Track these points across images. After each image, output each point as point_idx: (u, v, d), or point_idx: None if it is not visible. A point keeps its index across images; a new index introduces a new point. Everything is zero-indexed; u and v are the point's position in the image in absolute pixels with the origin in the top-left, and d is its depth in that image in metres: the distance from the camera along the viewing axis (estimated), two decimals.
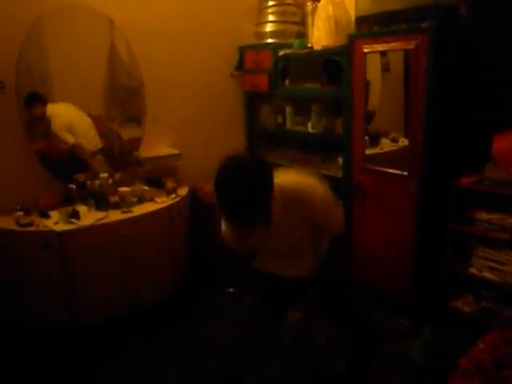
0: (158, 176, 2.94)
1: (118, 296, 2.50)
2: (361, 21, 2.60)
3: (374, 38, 2.43)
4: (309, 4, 3.06)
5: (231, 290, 2.94)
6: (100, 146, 2.97)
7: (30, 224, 2.41)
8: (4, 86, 2.49)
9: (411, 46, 2.23)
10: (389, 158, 2.67)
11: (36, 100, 2.66)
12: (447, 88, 2.28)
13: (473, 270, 2.31)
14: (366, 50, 2.44)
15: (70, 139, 2.81)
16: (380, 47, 2.42)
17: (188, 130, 3.17)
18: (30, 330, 2.44)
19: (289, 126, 3.20)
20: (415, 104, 2.30)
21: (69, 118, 2.84)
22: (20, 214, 2.46)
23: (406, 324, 2.50)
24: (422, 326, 2.39)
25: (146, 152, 2.96)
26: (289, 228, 1.53)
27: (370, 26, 2.53)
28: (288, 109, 3.18)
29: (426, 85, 2.21)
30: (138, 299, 2.58)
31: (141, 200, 2.70)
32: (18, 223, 2.41)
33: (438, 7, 2.25)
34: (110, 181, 2.77)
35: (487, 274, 2.26)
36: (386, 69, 2.78)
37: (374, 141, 2.76)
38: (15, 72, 2.52)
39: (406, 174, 2.41)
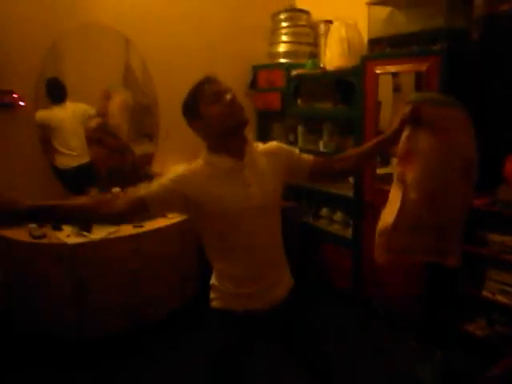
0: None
1: (128, 308, 2.50)
2: (373, 42, 2.63)
3: (387, 59, 2.47)
4: (322, 26, 3.13)
5: None
6: (84, 161, 2.95)
7: (43, 236, 2.44)
8: (23, 101, 2.56)
9: (423, 68, 2.25)
10: None
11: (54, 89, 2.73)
12: None
13: (485, 293, 2.27)
14: (378, 71, 2.48)
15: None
16: (392, 68, 2.45)
17: (200, 147, 3.19)
18: (42, 340, 2.45)
19: (300, 144, 3.22)
20: None
21: (52, 118, 2.78)
22: (33, 226, 2.50)
23: (416, 345, 2.46)
24: (432, 348, 2.34)
25: (158, 167, 3.00)
26: (265, 188, 1.39)
27: (382, 47, 2.57)
28: (300, 128, 3.21)
29: None
30: (149, 312, 2.58)
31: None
32: (31, 235, 2.45)
33: (450, 30, 2.29)
34: (122, 195, 2.81)
35: (500, 298, 2.22)
36: (397, 89, 2.81)
37: (385, 160, 2.77)
38: (34, 90, 2.61)
39: None
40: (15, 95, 2.53)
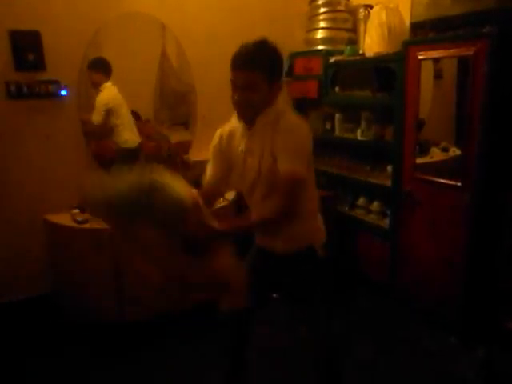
0: None
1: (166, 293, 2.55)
2: (416, 26, 2.53)
3: (430, 44, 2.37)
4: (361, 10, 3.04)
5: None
6: (136, 144, 2.98)
7: (85, 221, 2.53)
8: (68, 91, 2.64)
9: (470, 53, 2.14)
10: (439, 168, 2.59)
11: (99, 66, 2.75)
12: (507, 97, 2.17)
13: None
14: (420, 57, 2.38)
15: (97, 118, 2.77)
16: (436, 54, 2.35)
17: None
18: (82, 324, 2.56)
19: (337, 132, 3.17)
20: (472, 113, 2.21)
21: (114, 102, 2.83)
22: (76, 211, 2.60)
23: (455, 342, 2.39)
24: (473, 345, 2.28)
25: (195, 156, 3.03)
26: (259, 156, 1.51)
27: (425, 32, 2.46)
28: (337, 116, 3.16)
29: (484, 93, 2.12)
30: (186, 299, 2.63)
31: None
32: (74, 220, 2.55)
33: (501, 11, 2.15)
34: None
35: None
36: (438, 76, 2.70)
37: (424, 150, 2.69)
38: (78, 79, 2.68)
39: (459, 184, 2.32)
40: (60, 84, 2.60)
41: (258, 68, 1.43)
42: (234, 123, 1.60)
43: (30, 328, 2.59)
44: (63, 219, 2.58)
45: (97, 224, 2.48)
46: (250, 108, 1.47)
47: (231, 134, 1.60)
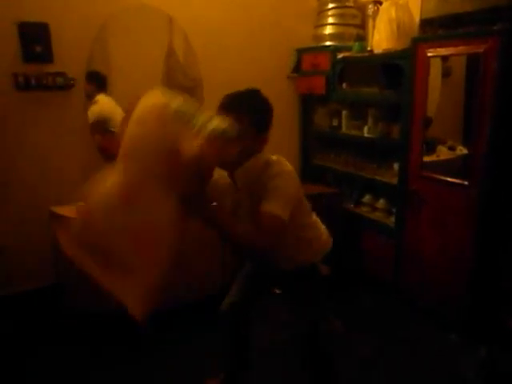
0: None
1: (172, 285, 2.54)
2: (425, 24, 2.51)
3: (440, 41, 2.34)
4: (370, 6, 3.01)
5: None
6: None
7: None
8: (75, 83, 2.64)
9: (480, 50, 2.12)
10: (446, 166, 2.57)
11: (91, 78, 2.75)
12: None
13: None
14: (430, 54, 2.36)
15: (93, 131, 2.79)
16: (445, 51, 2.33)
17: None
18: (87, 315, 2.56)
19: (344, 129, 3.16)
20: (480, 111, 2.19)
21: (106, 112, 2.83)
22: (82, 203, 2.60)
23: (456, 339, 2.38)
24: (474, 343, 2.27)
25: None
26: (249, 206, 1.50)
27: (435, 28, 2.44)
28: (344, 112, 3.14)
29: (494, 91, 2.10)
30: (188, 293, 2.64)
31: None
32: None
33: None
34: None
35: None
36: (446, 74, 2.68)
37: (431, 148, 2.67)
38: (84, 72, 2.68)
39: (466, 183, 2.31)
40: (68, 77, 2.60)
41: (246, 113, 1.40)
42: (219, 172, 1.51)
43: (32, 319, 2.61)
44: (69, 211, 2.58)
45: None
46: (236, 156, 1.39)
47: (219, 178, 1.53)
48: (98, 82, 2.79)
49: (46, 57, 2.50)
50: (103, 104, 2.82)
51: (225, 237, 1.45)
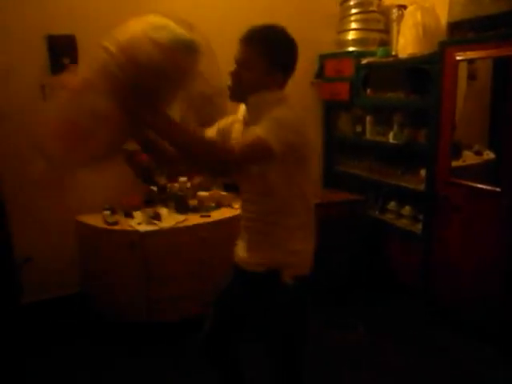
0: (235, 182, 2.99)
1: (193, 296, 2.54)
2: (453, 27, 2.46)
3: (469, 44, 2.29)
4: (394, 11, 2.97)
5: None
6: None
7: (116, 223, 2.55)
8: None
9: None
10: (473, 172, 2.52)
11: None
12: None
13: None
14: (458, 58, 2.31)
15: None
16: (475, 54, 2.28)
17: None
18: (108, 323, 2.59)
19: (368, 135, 3.11)
20: (510, 115, 2.13)
21: None
22: (107, 213, 2.63)
23: (492, 355, 2.30)
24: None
25: None
26: None
27: (463, 32, 2.39)
28: (368, 118, 3.10)
29: None
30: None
31: (218, 205, 2.76)
32: (105, 222, 2.57)
33: None
34: (189, 184, 2.86)
35: None
36: (472, 77, 2.62)
37: (456, 153, 2.60)
38: None
39: (498, 190, 2.24)
40: None
41: (255, 46, 1.36)
42: (240, 112, 1.48)
43: (58, 327, 2.63)
44: (94, 220, 2.61)
45: (127, 225, 2.51)
46: (237, 85, 1.38)
47: (235, 122, 1.51)
48: None
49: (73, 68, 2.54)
50: None
51: (178, 146, 1.27)
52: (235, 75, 1.38)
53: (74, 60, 2.53)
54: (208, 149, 1.26)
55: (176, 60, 1.21)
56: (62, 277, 2.75)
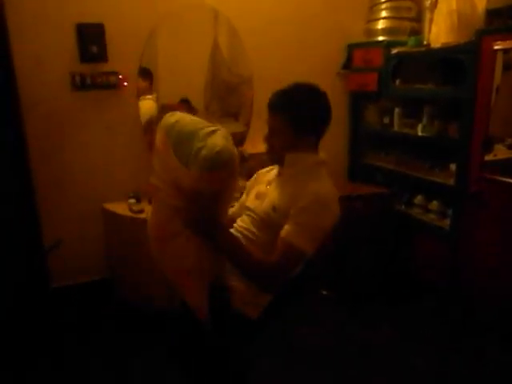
0: None
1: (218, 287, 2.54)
2: (492, 14, 2.35)
3: (509, 33, 2.18)
4: None
5: (324, 292, 2.88)
6: None
7: (141, 211, 2.57)
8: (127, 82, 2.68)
9: None
10: (506, 167, 2.42)
11: (146, 75, 2.79)
12: None
13: None
14: (497, 47, 2.21)
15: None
16: None
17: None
18: (132, 309, 2.62)
19: (396, 128, 3.03)
20: None
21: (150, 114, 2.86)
22: (132, 201, 2.65)
23: None
24: None
25: (250, 148, 3.01)
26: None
27: (503, 19, 2.28)
28: (397, 110, 3.02)
29: None
30: None
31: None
32: (130, 210, 2.60)
33: None
34: None
35: None
36: (506, 67, 2.50)
37: (487, 147, 2.51)
38: (135, 70, 2.70)
39: None
40: (120, 76, 2.64)
41: (281, 114, 1.38)
42: (271, 175, 1.56)
43: (84, 313, 2.69)
44: (120, 208, 2.64)
45: None
46: (270, 149, 1.45)
47: (264, 173, 1.62)
48: (151, 79, 2.81)
49: (101, 56, 2.55)
50: (144, 105, 2.83)
51: (234, 264, 1.36)
52: (267, 141, 1.45)
53: (103, 48, 2.54)
54: (254, 273, 1.33)
55: (216, 182, 1.28)
56: (88, 263, 2.81)
